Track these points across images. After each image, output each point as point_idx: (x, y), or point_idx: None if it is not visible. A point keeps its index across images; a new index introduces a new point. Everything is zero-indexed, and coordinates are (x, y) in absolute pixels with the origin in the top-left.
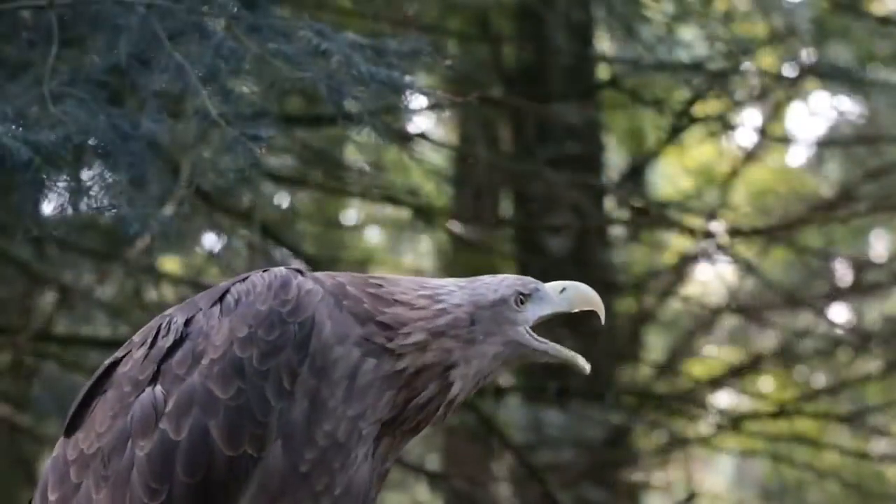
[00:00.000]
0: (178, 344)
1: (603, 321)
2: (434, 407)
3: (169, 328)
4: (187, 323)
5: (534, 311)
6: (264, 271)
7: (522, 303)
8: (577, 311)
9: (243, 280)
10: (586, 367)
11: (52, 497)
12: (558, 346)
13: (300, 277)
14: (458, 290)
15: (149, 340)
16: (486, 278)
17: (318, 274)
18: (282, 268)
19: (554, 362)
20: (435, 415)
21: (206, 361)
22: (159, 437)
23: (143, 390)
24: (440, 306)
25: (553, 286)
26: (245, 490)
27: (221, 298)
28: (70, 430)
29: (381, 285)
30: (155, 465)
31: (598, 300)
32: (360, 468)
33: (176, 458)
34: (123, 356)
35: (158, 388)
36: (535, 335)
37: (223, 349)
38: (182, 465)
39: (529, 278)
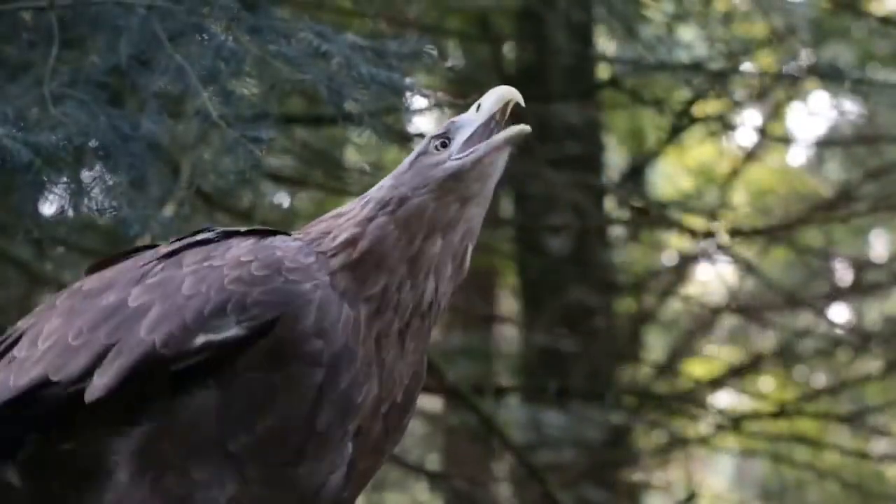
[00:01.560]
0: (201, 244)
1: (523, 104)
2: (402, 285)
3: (208, 232)
4: (225, 235)
5: (458, 141)
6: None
7: (445, 145)
8: (502, 113)
9: (288, 233)
10: (525, 128)
11: (38, 308)
12: (490, 141)
13: (320, 258)
14: (386, 179)
15: (188, 234)
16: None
17: None
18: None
19: (503, 155)
20: (419, 298)
21: (205, 264)
22: (120, 298)
23: (152, 263)
24: (365, 200)
25: (471, 109)
26: (170, 417)
27: (262, 236)
28: (91, 271)
29: (307, 225)
30: (99, 315)
31: (512, 93)
32: (332, 474)
33: (112, 320)
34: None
35: (161, 265)
36: (464, 154)
37: (223, 262)
38: (108, 329)
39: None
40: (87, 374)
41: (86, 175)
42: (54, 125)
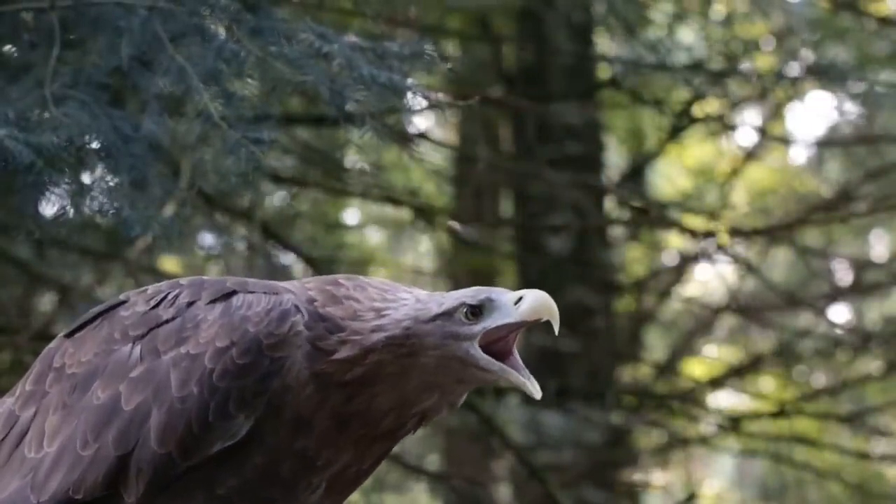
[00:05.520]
0: (171, 320)
1: (556, 331)
2: (385, 416)
3: (174, 302)
4: (189, 305)
5: (484, 325)
6: (274, 294)
7: (475, 315)
8: (532, 321)
9: (251, 292)
10: (537, 393)
11: (27, 387)
12: (507, 369)
13: (298, 316)
14: (409, 304)
15: (153, 302)
16: (453, 292)
17: (308, 287)
18: (290, 297)
19: (505, 384)
20: (399, 425)
21: (182, 350)
22: (112, 396)
23: (126, 345)
24: (380, 322)
25: (511, 295)
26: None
27: (227, 297)
28: (70, 335)
29: (340, 284)
30: (98, 419)
31: (552, 310)
32: None
33: (113, 425)
34: (135, 298)
35: (138, 350)
36: (483, 354)
37: (200, 350)
38: (113, 436)
39: (487, 289)
40: (107, 486)
41: (87, 176)
42: (56, 126)
